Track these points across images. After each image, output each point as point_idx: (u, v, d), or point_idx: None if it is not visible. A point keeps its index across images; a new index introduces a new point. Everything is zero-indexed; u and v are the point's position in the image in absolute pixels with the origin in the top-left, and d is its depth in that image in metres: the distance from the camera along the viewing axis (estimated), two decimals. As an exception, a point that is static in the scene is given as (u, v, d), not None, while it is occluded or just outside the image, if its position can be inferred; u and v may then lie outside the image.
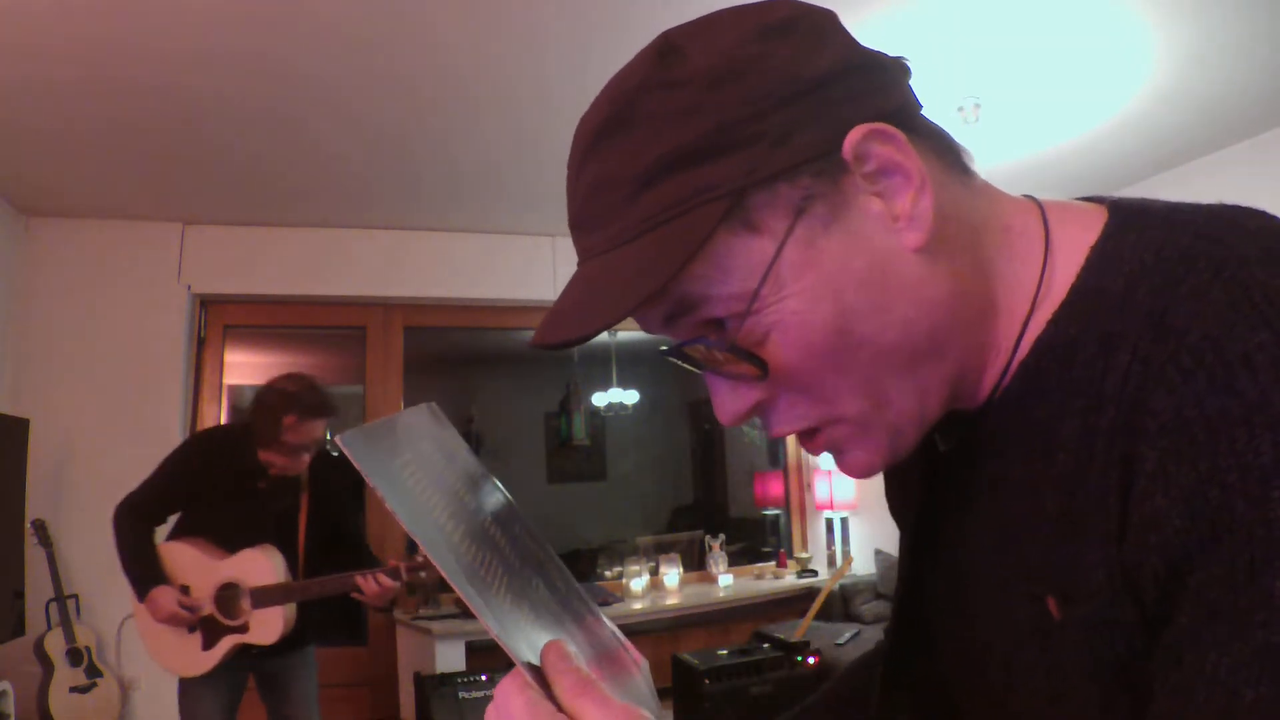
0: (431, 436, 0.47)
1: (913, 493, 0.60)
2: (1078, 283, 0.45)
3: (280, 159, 3.19)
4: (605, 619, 0.52)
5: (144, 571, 2.24)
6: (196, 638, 2.29)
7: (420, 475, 0.42)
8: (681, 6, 2.21)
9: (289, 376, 2.34)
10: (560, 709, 0.38)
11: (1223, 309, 0.37)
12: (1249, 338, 0.36)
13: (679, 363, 0.48)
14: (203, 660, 2.29)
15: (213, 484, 2.33)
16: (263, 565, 2.28)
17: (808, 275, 0.43)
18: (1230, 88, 2.83)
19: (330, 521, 2.48)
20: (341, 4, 2.20)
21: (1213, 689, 0.34)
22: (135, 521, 2.30)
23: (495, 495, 0.49)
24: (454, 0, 2.20)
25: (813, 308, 0.43)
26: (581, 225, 0.47)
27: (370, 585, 2.24)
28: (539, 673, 0.39)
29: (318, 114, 2.82)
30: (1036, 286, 0.47)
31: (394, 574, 2.27)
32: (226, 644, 2.28)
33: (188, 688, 2.34)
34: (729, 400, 0.47)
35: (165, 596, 2.20)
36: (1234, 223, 0.42)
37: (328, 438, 2.39)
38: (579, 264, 0.48)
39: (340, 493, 2.53)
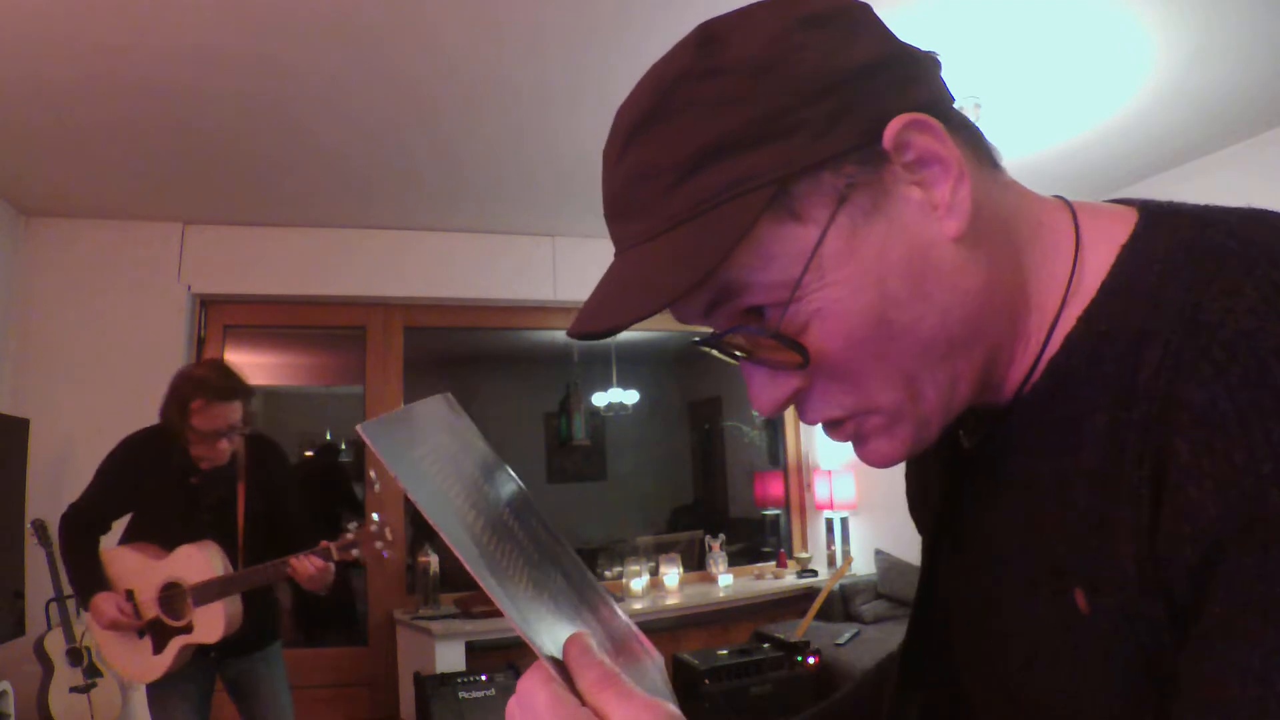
0: (448, 427, 0.47)
1: (934, 490, 0.60)
2: (1108, 280, 0.45)
3: (280, 159, 3.19)
4: (618, 609, 0.52)
5: (84, 580, 2.24)
6: (146, 643, 2.26)
7: (439, 465, 0.42)
8: (682, 7, 2.22)
9: (200, 363, 2.30)
10: (584, 703, 0.38)
11: (1256, 305, 0.37)
12: (1277, 343, 0.36)
13: (715, 353, 0.49)
14: (155, 665, 2.25)
15: (146, 485, 2.30)
16: (200, 561, 2.23)
17: (850, 263, 0.44)
18: (1230, 88, 2.82)
19: (269, 508, 2.42)
20: (341, 3, 2.20)
21: (1245, 679, 0.34)
22: (75, 531, 2.30)
23: (511, 486, 0.49)
24: (448, 2, 2.20)
25: (854, 295, 0.44)
26: (621, 214, 0.47)
27: (303, 567, 2.20)
28: (561, 666, 0.39)
29: (317, 113, 2.82)
30: (1067, 283, 0.47)
31: (325, 554, 2.23)
32: (175, 646, 2.24)
33: (154, 693, 2.31)
34: (767, 389, 0.48)
35: (106, 603, 2.19)
36: (1264, 223, 0.42)
37: (243, 422, 2.31)
38: (616, 254, 0.48)
39: (276, 478, 2.47)
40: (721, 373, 6.84)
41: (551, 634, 0.40)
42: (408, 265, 4.09)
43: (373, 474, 4.05)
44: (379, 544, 2.29)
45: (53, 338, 3.53)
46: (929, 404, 0.47)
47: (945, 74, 0.49)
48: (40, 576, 3.18)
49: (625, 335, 5.28)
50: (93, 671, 3.18)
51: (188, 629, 2.24)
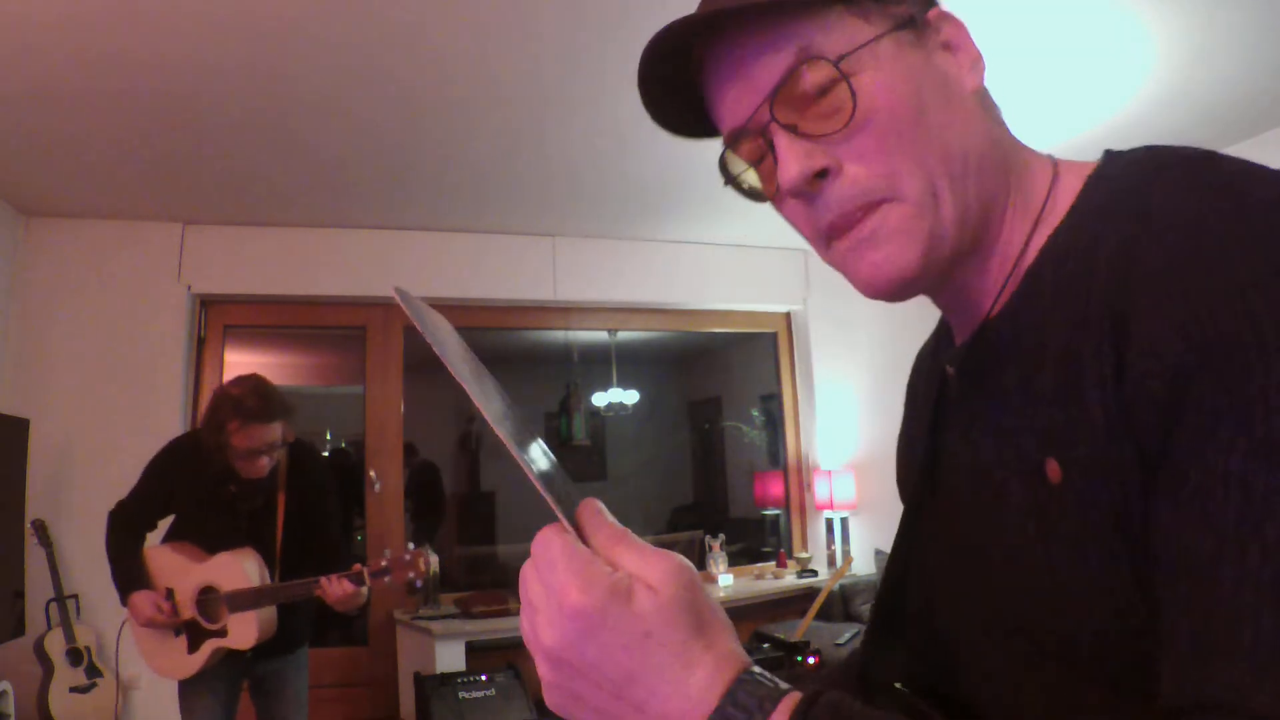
0: (465, 349, 0.51)
1: (922, 441, 0.63)
2: (1076, 203, 0.51)
3: (280, 161, 3.19)
4: None
5: (125, 576, 2.28)
6: (182, 641, 2.30)
7: (465, 364, 0.46)
8: (677, 9, 2.22)
9: (238, 379, 2.30)
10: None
11: (1188, 185, 0.43)
12: (1211, 198, 0.42)
13: (740, 163, 0.55)
14: (188, 663, 2.29)
15: (186, 491, 2.34)
16: (236, 569, 2.26)
17: (897, 64, 0.51)
18: (1231, 87, 2.82)
19: (306, 520, 2.44)
20: (335, 13, 2.21)
21: (1227, 485, 0.36)
22: (119, 529, 2.35)
23: (519, 411, 0.53)
24: (445, 5, 2.21)
25: (898, 84, 0.50)
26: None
27: (332, 589, 2.20)
28: (577, 530, 0.41)
29: (318, 115, 2.82)
30: (1040, 207, 0.53)
31: (357, 579, 2.23)
32: (209, 647, 2.28)
33: (186, 689, 2.35)
34: (799, 161, 0.51)
35: (143, 600, 2.23)
36: (1206, 151, 0.47)
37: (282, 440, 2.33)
38: (706, 23, 0.52)
39: (316, 490, 2.48)
40: (721, 373, 6.84)
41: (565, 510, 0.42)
42: (407, 265, 4.09)
43: (373, 474, 4.05)
44: (412, 574, 2.31)
45: (53, 338, 3.53)
46: (945, 213, 0.51)
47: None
48: (40, 576, 3.18)
49: (625, 335, 5.25)
50: (93, 671, 3.18)
51: (222, 633, 2.28)
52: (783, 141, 0.51)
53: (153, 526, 2.44)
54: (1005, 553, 0.49)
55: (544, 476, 0.40)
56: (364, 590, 2.27)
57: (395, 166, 3.33)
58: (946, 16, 0.55)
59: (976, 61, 0.55)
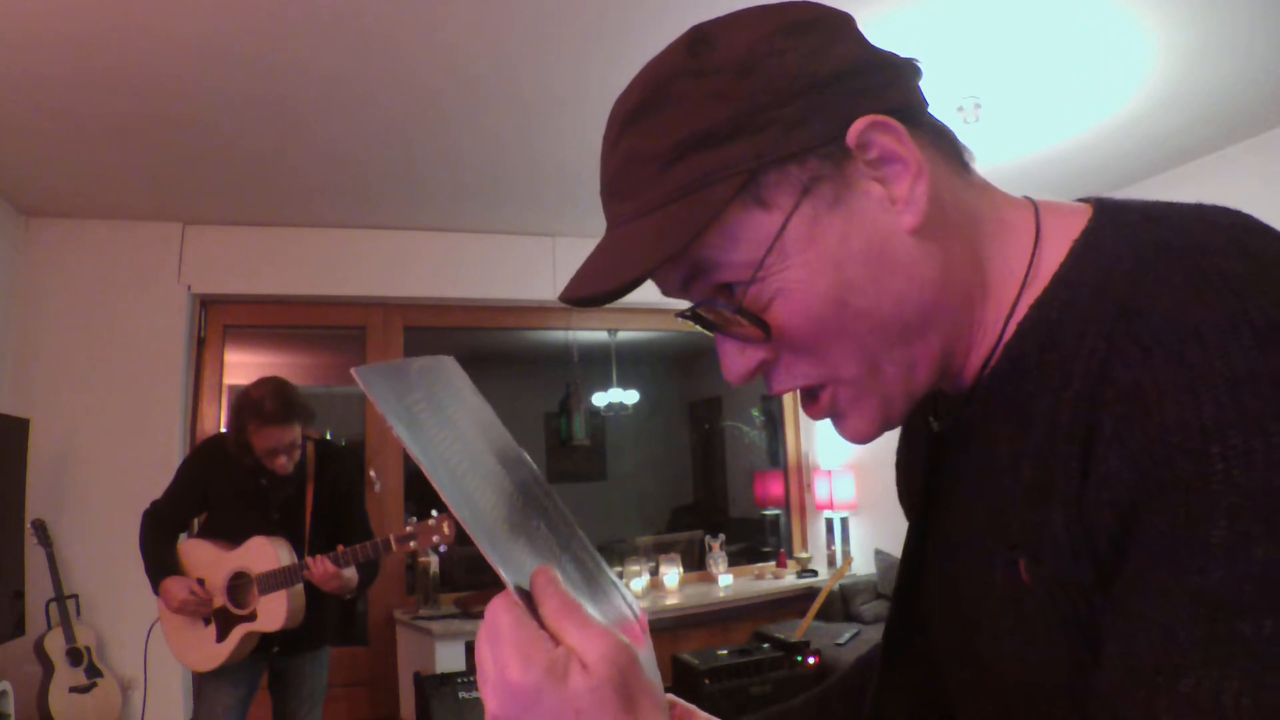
0: (446, 382, 0.49)
1: (917, 477, 0.62)
2: (1059, 272, 0.48)
3: (282, 158, 3.19)
4: (616, 580, 0.53)
5: (157, 565, 2.37)
6: (211, 631, 2.38)
7: (430, 414, 0.44)
8: (685, 12, 2.22)
9: (260, 381, 2.40)
10: (544, 627, 0.40)
11: (1181, 291, 0.40)
12: (1200, 314, 0.39)
13: (694, 324, 0.53)
14: (218, 652, 2.36)
15: (219, 487, 2.44)
16: (269, 553, 2.36)
17: (810, 249, 0.47)
18: (1230, 88, 2.83)
19: (333, 509, 2.54)
20: (340, 12, 2.19)
21: (1151, 632, 0.37)
22: (153, 524, 2.45)
23: (507, 444, 0.51)
24: (445, 7, 2.20)
25: (814, 278, 0.48)
26: (613, 194, 0.52)
27: (315, 567, 2.30)
28: (528, 597, 0.42)
29: (320, 111, 2.81)
30: (1024, 275, 0.50)
31: (336, 560, 2.33)
32: (239, 634, 2.35)
33: (203, 682, 2.41)
34: (736, 360, 0.52)
35: (176, 585, 2.32)
36: (1205, 219, 0.45)
37: (302, 439, 2.45)
38: (608, 230, 0.53)
39: (342, 481, 2.59)
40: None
41: (522, 570, 0.43)
42: (408, 265, 4.09)
43: (373, 474, 4.05)
44: (436, 538, 2.41)
45: (53, 338, 3.53)
46: (889, 383, 0.50)
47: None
48: (40, 576, 3.18)
49: (625, 335, 5.26)
50: (93, 671, 3.18)
51: (251, 617, 2.35)
52: (718, 337, 0.52)
53: (185, 526, 2.55)
54: (990, 628, 0.50)
55: (493, 545, 0.41)
56: (350, 573, 2.38)
57: (398, 166, 3.33)
58: (874, 126, 0.47)
59: (917, 179, 0.48)
